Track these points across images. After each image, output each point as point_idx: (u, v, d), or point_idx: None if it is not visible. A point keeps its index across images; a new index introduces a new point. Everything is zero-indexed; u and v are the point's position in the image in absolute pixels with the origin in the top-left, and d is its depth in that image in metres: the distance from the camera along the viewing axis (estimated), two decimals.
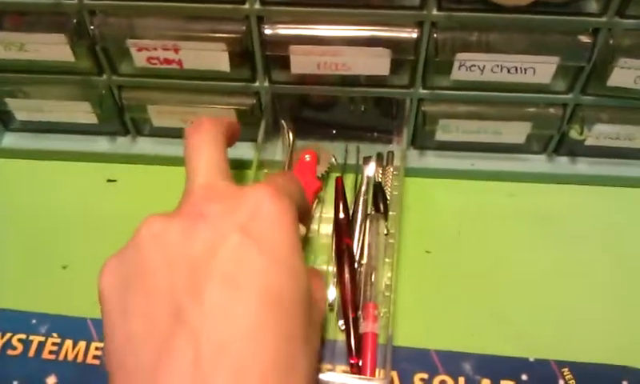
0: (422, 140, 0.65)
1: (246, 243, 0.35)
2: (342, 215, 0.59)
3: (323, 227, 0.61)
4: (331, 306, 0.55)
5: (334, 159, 0.65)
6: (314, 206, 0.62)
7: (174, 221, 0.36)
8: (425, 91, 0.58)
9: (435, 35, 0.52)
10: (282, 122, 0.63)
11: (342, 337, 0.54)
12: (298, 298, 0.35)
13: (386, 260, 0.57)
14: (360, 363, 0.51)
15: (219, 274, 0.34)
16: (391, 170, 0.63)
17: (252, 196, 0.37)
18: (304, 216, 0.45)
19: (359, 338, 0.52)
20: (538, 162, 0.65)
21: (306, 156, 0.63)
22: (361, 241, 0.58)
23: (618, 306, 0.57)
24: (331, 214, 0.60)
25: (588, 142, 0.62)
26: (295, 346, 0.34)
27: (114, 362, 0.34)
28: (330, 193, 0.63)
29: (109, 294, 0.35)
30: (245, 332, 0.32)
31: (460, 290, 0.58)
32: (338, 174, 0.64)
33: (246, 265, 0.34)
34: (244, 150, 0.65)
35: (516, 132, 0.61)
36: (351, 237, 0.58)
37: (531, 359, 0.54)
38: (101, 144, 0.68)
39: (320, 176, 0.63)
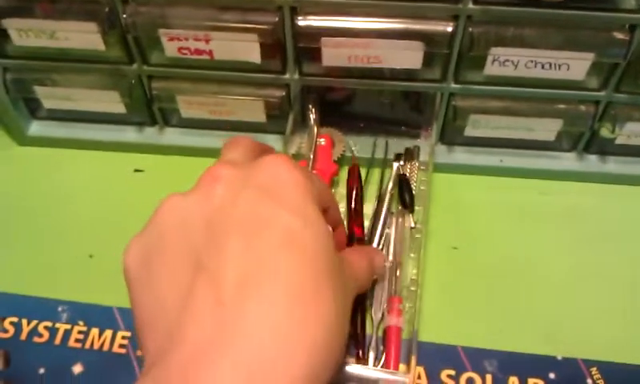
0: (450, 135, 0.65)
1: (263, 197, 0.35)
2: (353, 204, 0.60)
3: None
4: None
5: (351, 143, 0.65)
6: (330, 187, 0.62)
7: (191, 192, 0.37)
8: (456, 86, 0.58)
9: (470, 29, 0.52)
10: (310, 115, 0.63)
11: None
12: (320, 248, 0.34)
13: (412, 255, 0.57)
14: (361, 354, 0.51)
15: (236, 225, 0.33)
16: (417, 164, 0.62)
17: (269, 163, 0.37)
18: (333, 220, 0.46)
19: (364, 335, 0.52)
20: (567, 160, 0.65)
21: (321, 140, 0.63)
22: (385, 235, 0.58)
23: None
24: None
25: (618, 141, 0.62)
26: (320, 284, 0.33)
27: (144, 327, 0.34)
28: (343, 176, 0.63)
29: (133, 268, 0.35)
30: (266, 270, 0.32)
31: (487, 286, 0.58)
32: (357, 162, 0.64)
33: (264, 215, 0.34)
34: (271, 143, 0.64)
35: (547, 129, 0.61)
36: (361, 226, 0.58)
37: (559, 357, 0.53)
38: (128, 134, 0.68)
39: (336, 159, 0.64)
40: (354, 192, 0.60)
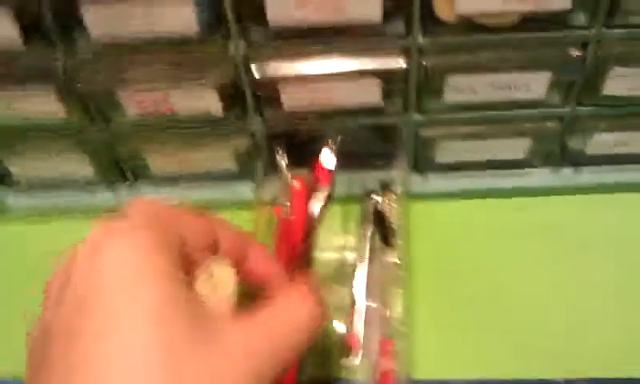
0: (423, 163, 0.64)
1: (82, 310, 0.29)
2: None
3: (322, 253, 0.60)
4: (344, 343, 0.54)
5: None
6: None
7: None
8: (420, 116, 0.58)
9: (424, 62, 0.52)
10: (278, 158, 0.62)
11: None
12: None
13: (400, 292, 0.56)
14: None
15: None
16: (394, 197, 0.62)
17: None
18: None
19: None
20: (542, 176, 0.65)
21: (295, 183, 0.62)
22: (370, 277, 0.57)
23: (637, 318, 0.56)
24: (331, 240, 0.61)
25: (590, 152, 0.61)
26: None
27: None
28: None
29: None
30: None
31: (478, 313, 0.57)
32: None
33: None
34: (244, 190, 0.65)
35: (516, 148, 0.61)
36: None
37: (561, 381, 0.53)
38: (103, 196, 0.68)
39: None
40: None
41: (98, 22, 0.49)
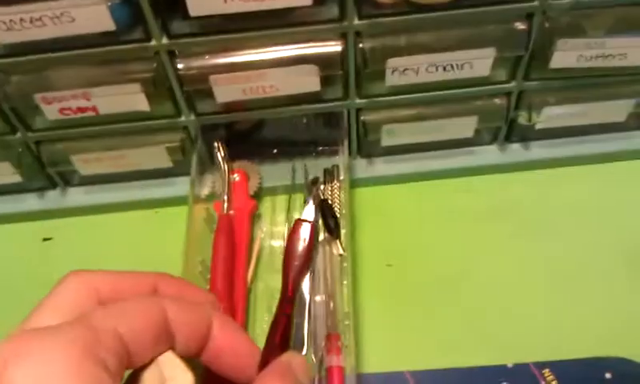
0: (368, 148, 0.62)
1: None
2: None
3: (266, 245, 0.59)
4: None
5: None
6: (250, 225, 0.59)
7: None
8: (361, 101, 0.55)
9: (361, 45, 0.49)
10: (217, 152, 0.59)
11: None
12: None
13: (344, 283, 0.54)
14: None
15: None
16: (338, 185, 0.59)
17: None
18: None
19: None
20: (490, 153, 0.63)
21: (235, 176, 0.60)
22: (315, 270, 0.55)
23: (592, 295, 0.55)
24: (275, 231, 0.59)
25: (539, 126, 0.60)
26: None
27: None
28: (265, 208, 0.61)
29: None
30: None
31: (428, 301, 0.55)
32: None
33: None
34: (181, 186, 0.61)
35: (463, 127, 0.59)
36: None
37: (509, 365, 0.51)
38: (30, 202, 0.64)
39: (253, 194, 0.60)
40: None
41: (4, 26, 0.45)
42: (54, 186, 0.64)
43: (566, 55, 0.51)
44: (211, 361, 0.32)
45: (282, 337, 0.47)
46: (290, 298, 0.51)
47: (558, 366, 0.51)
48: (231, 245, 0.56)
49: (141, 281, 0.32)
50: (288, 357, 0.33)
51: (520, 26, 0.49)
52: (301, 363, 0.33)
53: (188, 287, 0.35)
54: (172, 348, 0.30)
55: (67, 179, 0.63)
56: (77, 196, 0.64)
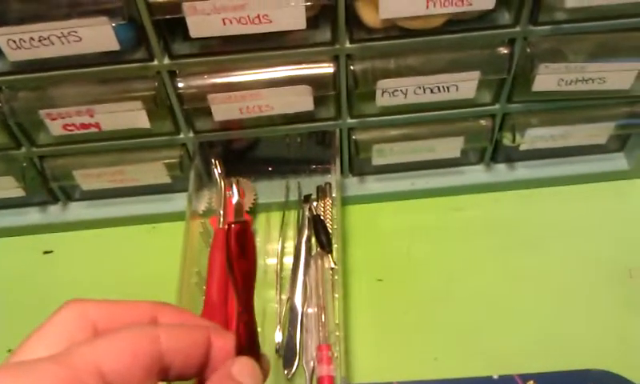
0: (359, 166, 0.64)
1: None
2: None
3: (260, 260, 0.61)
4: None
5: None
6: None
7: None
8: (353, 120, 0.57)
9: (352, 67, 0.51)
10: (214, 169, 0.61)
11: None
12: None
13: (336, 296, 0.55)
14: None
15: None
16: (330, 202, 0.61)
17: None
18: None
19: None
20: (477, 173, 0.65)
21: (229, 193, 0.61)
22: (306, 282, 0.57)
23: (576, 309, 0.56)
24: (269, 246, 0.61)
25: (523, 147, 0.62)
26: None
27: None
28: (259, 224, 0.63)
29: None
30: None
31: (416, 314, 0.57)
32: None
33: None
34: (179, 202, 0.63)
35: (450, 147, 0.61)
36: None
37: (495, 377, 0.53)
38: (32, 216, 0.66)
39: (248, 210, 0.62)
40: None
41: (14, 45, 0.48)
42: (55, 200, 0.66)
43: (547, 79, 0.53)
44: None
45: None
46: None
47: (542, 378, 0.52)
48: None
49: (139, 310, 0.31)
50: (228, 363, 0.32)
51: (503, 50, 0.52)
52: (244, 366, 0.32)
53: (188, 316, 0.34)
54: (167, 376, 0.29)
55: (69, 194, 0.65)
56: (78, 210, 0.66)
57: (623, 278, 0.58)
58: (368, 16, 0.48)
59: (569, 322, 0.56)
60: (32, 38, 0.47)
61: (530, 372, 0.52)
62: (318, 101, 0.55)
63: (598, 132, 0.61)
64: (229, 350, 0.32)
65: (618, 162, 0.65)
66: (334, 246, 0.58)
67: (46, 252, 0.65)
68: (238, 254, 0.36)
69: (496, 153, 0.63)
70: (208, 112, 0.55)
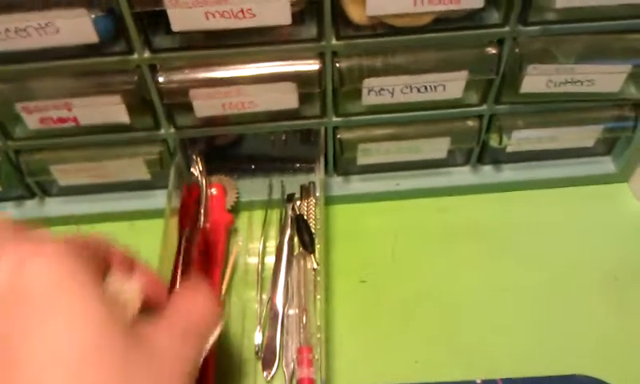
0: (344, 166, 0.63)
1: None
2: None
3: (242, 259, 0.60)
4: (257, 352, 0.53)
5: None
6: (226, 238, 0.60)
7: None
8: (338, 119, 0.56)
9: (338, 65, 0.50)
10: (195, 166, 0.60)
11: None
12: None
13: (318, 297, 0.55)
14: None
15: None
16: (314, 201, 0.60)
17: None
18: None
19: None
20: (463, 174, 0.64)
21: (212, 190, 0.61)
22: (288, 283, 0.56)
23: (562, 314, 0.56)
24: (250, 245, 0.60)
25: (510, 149, 0.61)
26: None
27: None
28: (241, 223, 0.62)
29: None
30: None
31: (400, 317, 0.56)
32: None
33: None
34: (159, 199, 0.62)
35: (436, 148, 0.60)
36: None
37: (478, 381, 0.52)
38: (8, 211, 0.64)
39: (230, 208, 0.61)
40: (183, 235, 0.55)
41: None
42: (32, 195, 0.64)
43: (536, 80, 0.53)
44: None
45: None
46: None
47: (526, 383, 0.51)
48: (206, 257, 0.56)
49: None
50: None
51: (491, 50, 0.51)
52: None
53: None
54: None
55: (46, 189, 0.64)
56: (55, 206, 0.64)
57: (609, 282, 0.57)
58: (355, 12, 0.47)
59: (553, 325, 0.55)
60: (7, 29, 0.46)
61: (514, 376, 0.52)
62: (303, 98, 0.54)
63: (586, 135, 0.60)
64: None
65: (605, 165, 0.64)
66: (317, 247, 0.57)
67: None
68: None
69: (482, 154, 0.63)
70: (189, 108, 0.54)
